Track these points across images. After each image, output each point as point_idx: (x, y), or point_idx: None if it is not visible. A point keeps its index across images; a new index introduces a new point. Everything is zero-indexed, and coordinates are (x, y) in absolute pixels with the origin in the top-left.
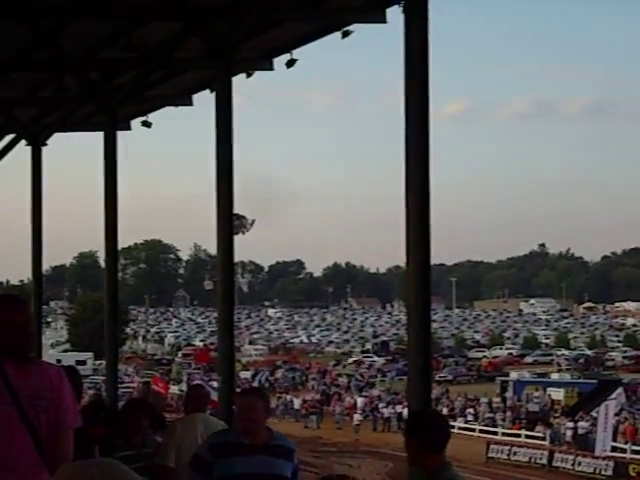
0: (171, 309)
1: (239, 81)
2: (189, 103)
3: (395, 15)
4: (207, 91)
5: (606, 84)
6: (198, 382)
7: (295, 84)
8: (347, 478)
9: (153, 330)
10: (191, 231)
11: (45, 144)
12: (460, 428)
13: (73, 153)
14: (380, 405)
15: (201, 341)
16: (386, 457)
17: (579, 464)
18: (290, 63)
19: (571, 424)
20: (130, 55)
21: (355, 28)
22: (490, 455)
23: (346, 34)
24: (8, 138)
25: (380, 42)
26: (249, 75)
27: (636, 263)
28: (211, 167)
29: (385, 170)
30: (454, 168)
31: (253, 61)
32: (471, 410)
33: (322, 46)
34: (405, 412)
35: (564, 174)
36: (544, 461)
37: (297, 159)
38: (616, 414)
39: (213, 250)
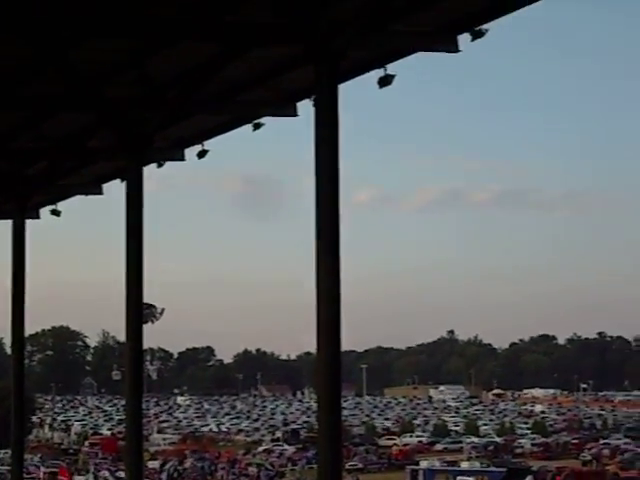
0: (78, 397)
1: (151, 168)
2: (99, 192)
3: (306, 108)
4: (118, 180)
5: (512, 175)
6: None
7: (207, 171)
8: None
9: (59, 418)
10: (99, 317)
11: None
12: None
13: None
14: None
15: (109, 430)
16: None
17: None
18: (201, 154)
19: None
20: (41, 145)
21: (267, 120)
22: None
23: (257, 126)
24: None
25: (292, 132)
26: (160, 165)
27: (544, 350)
28: (121, 255)
29: (295, 257)
30: (364, 255)
31: (165, 151)
32: None
33: (235, 135)
34: None
35: (472, 261)
36: None
37: (205, 246)
38: None
39: (122, 337)
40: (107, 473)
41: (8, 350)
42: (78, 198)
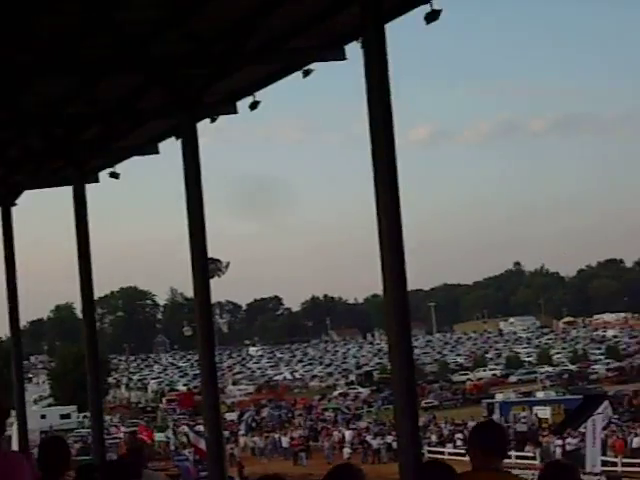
0: (152, 355)
1: (205, 123)
2: (156, 152)
3: (355, 51)
4: (173, 138)
5: (574, 99)
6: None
7: (261, 122)
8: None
9: (135, 378)
10: (167, 276)
11: (14, 204)
12: (450, 454)
13: (44, 208)
14: (368, 437)
15: (184, 385)
16: None
17: None
18: (253, 105)
19: (560, 442)
20: (94, 109)
21: (316, 66)
22: None
23: (307, 73)
24: None
25: (343, 76)
26: (213, 120)
27: (612, 274)
28: (183, 212)
29: (356, 200)
30: (423, 193)
31: (216, 106)
32: (460, 435)
33: (286, 84)
34: (394, 443)
35: (533, 191)
36: None
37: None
38: (604, 428)
39: (190, 293)
40: (186, 428)
41: (79, 314)
42: (136, 159)
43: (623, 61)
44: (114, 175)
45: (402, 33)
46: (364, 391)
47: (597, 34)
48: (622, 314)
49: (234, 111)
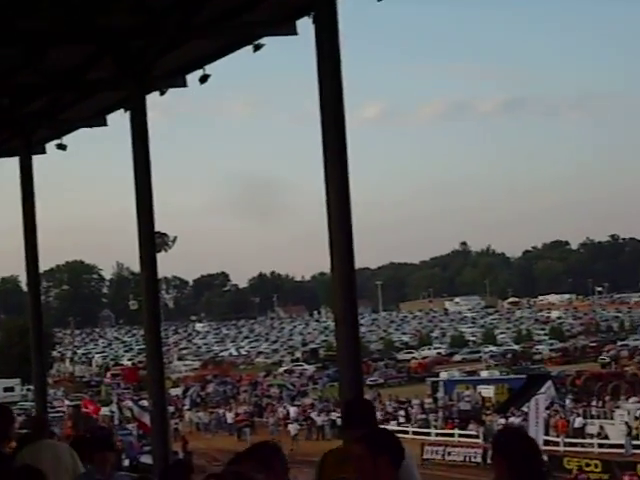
0: (97, 329)
1: (154, 97)
2: (104, 124)
3: (306, 26)
4: (122, 110)
5: (518, 82)
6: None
7: (211, 97)
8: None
9: (80, 352)
10: (113, 250)
11: None
12: (393, 431)
13: None
14: (313, 414)
15: (129, 360)
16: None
17: None
18: (203, 79)
19: (503, 420)
20: (42, 79)
21: (267, 40)
22: (425, 457)
23: (258, 47)
24: None
25: (294, 52)
26: (162, 93)
27: (557, 256)
28: (131, 185)
29: (305, 178)
30: (372, 171)
31: (166, 78)
32: (403, 412)
33: (236, 58)
34: (339, 420)
35: (482, 172)
36: (479, 459)
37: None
38: (546, 407)
39: (136, 268)
40: (130, 403)
41: (24, 287)
42: (85, 131)
43: (573, 44)
44: (61, 147)
45: (355, 10)
46: (310, 368)
47: (548, 16)
48: (566, 295)
49: (184, 84)
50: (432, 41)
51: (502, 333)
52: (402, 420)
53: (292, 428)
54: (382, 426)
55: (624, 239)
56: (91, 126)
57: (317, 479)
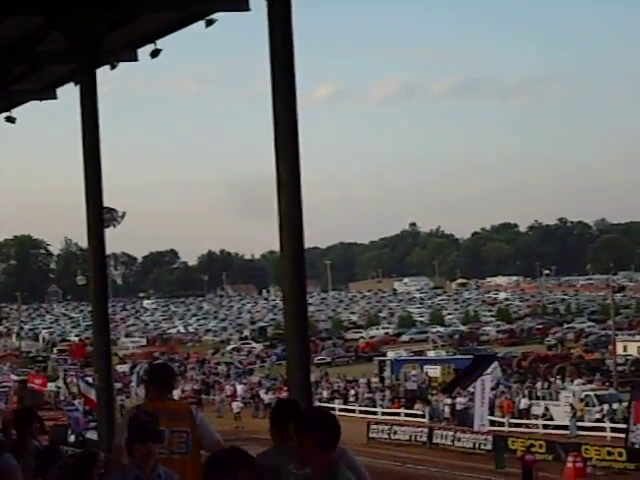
0: (44, 305)
1: (105, 72)
2: (53, 97)
3: (259, 3)
4: (72, 84)
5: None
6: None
7: (162, 73)
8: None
9: (27, 327)
10: (61, 225)
11: None
12: (340, 410)
13: None
14: (260, 391)
15: (76, 336)
16: (268, 443)
17: (459, 440)
18: (154, 53)
19: (449, 400)
20: None
21: (219, 16)
22: (371, 435)
23: (210, 23)
24: None
25: (246, 29)
26: (113, 67)
27: (505, 238)
28: (79, 160)
29: (257, 157)
30: (323, 151)
31: (117, 53)
32: (352, 392)
33: (188, 34)
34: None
35: (431, 152)
36: (424, 439)
37: (168, 148)
38: (492, 388)
39: (84, 244)
40: (76, 379)
41: None
42: (34, 104)
43: (526, 27)
44: (10, 119)
45: None
46: (257, 346)
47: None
48: (514, 277)
49: (135, 58)
50: (384, 26)
51: (450, 314)
52: (351, 399)
53: (235, 406)
54: (319, 405)
55: (572, 222)
56: (41, 99)
57: None
